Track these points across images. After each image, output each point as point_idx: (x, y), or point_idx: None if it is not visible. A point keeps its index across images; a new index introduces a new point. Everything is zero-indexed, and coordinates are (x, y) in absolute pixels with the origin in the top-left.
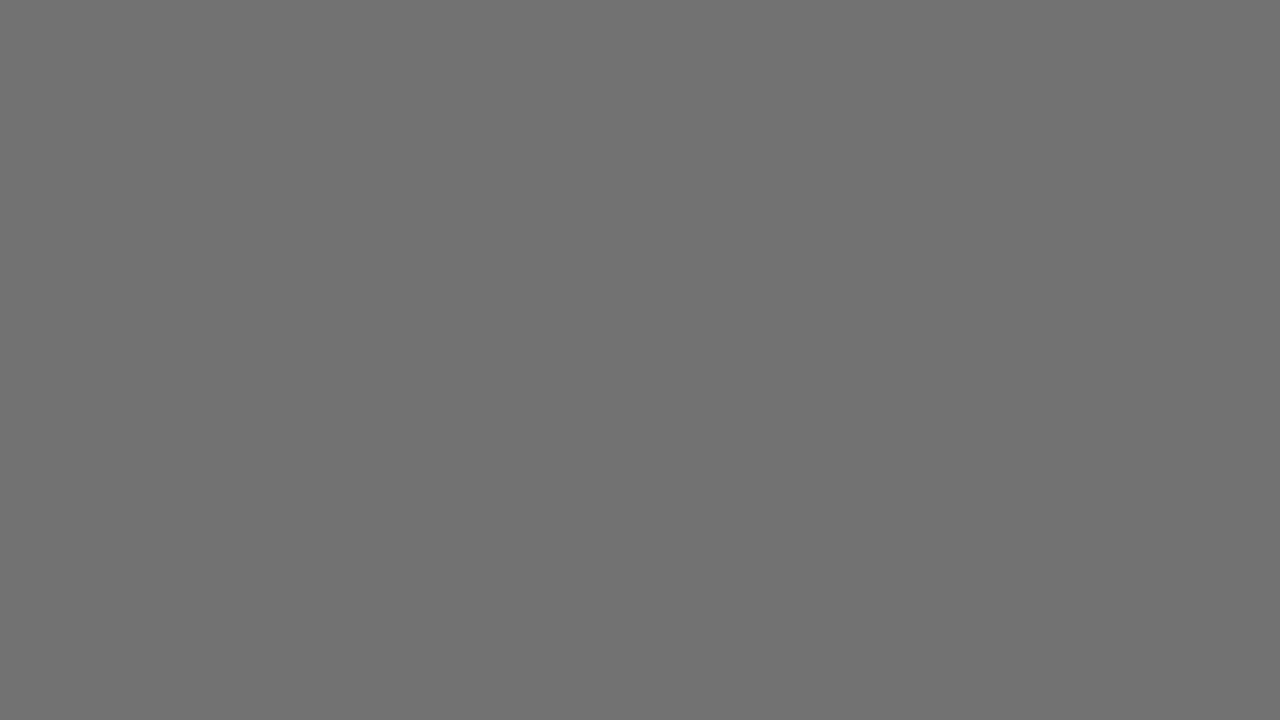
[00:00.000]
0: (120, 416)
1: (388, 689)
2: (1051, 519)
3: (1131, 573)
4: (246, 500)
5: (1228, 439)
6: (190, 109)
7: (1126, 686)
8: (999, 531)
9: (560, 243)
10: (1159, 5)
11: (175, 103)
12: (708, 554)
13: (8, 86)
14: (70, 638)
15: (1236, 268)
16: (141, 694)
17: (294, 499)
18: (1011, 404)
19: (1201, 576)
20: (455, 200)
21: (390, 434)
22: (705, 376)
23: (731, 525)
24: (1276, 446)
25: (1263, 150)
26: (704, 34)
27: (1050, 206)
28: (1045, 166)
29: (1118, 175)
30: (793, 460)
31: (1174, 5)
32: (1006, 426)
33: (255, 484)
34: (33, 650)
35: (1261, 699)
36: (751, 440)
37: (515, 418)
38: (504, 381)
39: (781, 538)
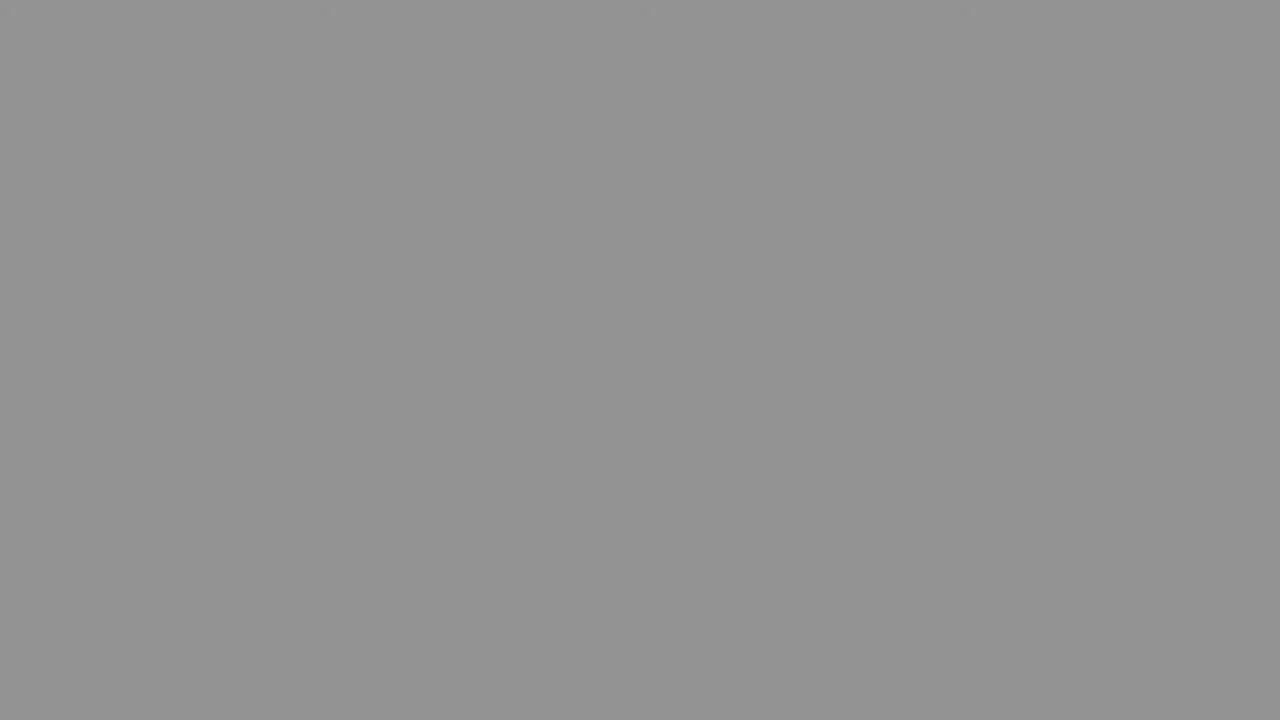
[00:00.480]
0: (121, 417)
1: (388, 689)
2: (1052, 520)
3: (1132, 573)
4: (247, 501)
5: (1227, 440)
6: (190, 109)
7: (1127, 687)
8: (999, 532)
9: (560, 244)
10: (1159, 5)
11: (175, 103)
12: (707, 555)
13: (8, 86)
14: (70, 638)
15: (1236, 268)
16: (141, 694)
17: (294, 499)
18: (1011, 405)
19: (1201, 578)
20: (455, 200)
21: (390, 435)
22: (705, 378)
23: (731, 526)
24: (1276, 447)
25: (1263, 150)
26: (704, 34)
27: (1050, 206)
28: (1045, 166)
29: (1118, 175)
30: (792, 462)
31: (1174, 5)
32: (1006, 428)
33: (255, 484)
34: (33, 650)
35: (1262, 699)
36: (751, 442)
37: (514, 419)
38: (503, 383)
39: (781, 539)
